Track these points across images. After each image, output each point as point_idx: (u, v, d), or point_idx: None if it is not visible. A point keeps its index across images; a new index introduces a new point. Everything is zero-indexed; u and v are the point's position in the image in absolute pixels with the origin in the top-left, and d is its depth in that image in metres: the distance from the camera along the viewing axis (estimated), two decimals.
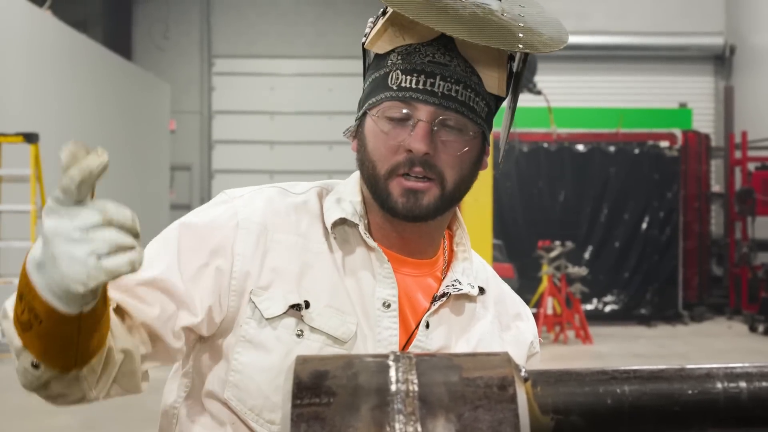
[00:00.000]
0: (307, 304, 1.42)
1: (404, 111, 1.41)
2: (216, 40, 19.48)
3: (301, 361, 0.81)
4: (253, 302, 1.41)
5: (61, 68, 11.97)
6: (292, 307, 1.41)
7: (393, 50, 1.44)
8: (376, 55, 1.47)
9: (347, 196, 1.49)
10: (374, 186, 1.44)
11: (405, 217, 1.43)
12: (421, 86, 1.40)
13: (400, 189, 1.42)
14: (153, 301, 1.37)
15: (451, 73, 1.41)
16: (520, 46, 1.36)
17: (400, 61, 1.43)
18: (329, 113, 18.94)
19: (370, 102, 1.44)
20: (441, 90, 1.40)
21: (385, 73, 1.44)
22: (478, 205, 8.31)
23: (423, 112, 1.40)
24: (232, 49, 19.39)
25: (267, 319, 1.41)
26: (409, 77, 1.41)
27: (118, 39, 17.81)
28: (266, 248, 1.44)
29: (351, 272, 1.46)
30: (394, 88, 1.42)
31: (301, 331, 1.41)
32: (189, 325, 1.40)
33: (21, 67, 10.72)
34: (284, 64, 19.29)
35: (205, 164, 19.56)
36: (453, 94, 1.40)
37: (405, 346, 1.45)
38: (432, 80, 1.40)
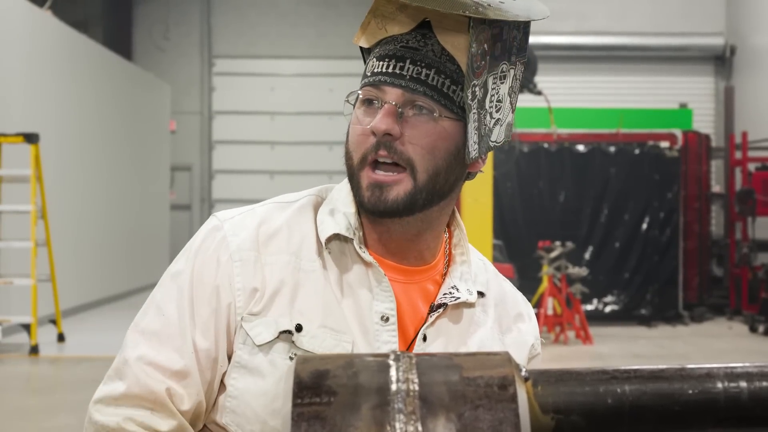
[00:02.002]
0: (299, 328, 1.40)
1: (373, 95, 1.39)
2: (216, 40, 19.49)
3: (302, 360, 0.81)
4: (244, 329, 1.40)
5: (62, 68, 11.97)
6: (283, 332, 1.39)
7: (377, 43, 1.43)
8: (366, 51, 1.46)
9: (341, 206, 1.46)
10: (351, 179, 1.42)
11: (372, 212, 1.40)
12: (390, 70, 1.38)
13: (368, 181, 1.39)
14: (198, 390, 1.42)
15: (422, 58, 1.37)
16: (464, 12, 1.31)
17: (377, 50, 1.42)
18: (330, 114, 18.94)
19: (352, 93, 1.44)
20: (410, 73, 1.37)
21: (367, 65, 1.44)
22: (478, 205, 8.31)
23: (390, 94, 1.37)
24: (232, 50, 19.40)
25: (258, 345, 1.39)
26: (380, 62, 1.39)
27: (119, 39, 17.81)
28: (263, 275, 1.42)
29: (348, 288, 1.43)
30: (368, 74, 1.41)
31: (294, 354, 1.39)
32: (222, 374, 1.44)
33: (21, 68, 10.72)
34: (285, 64, 19.30)
35: (205, 165, 19.56)
36: (423, 77, 1.37)
37: None
38: (402, 64, 1.37)
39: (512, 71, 1.43)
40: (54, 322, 9.93)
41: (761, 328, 11.57)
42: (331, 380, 0.78)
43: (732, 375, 0.86)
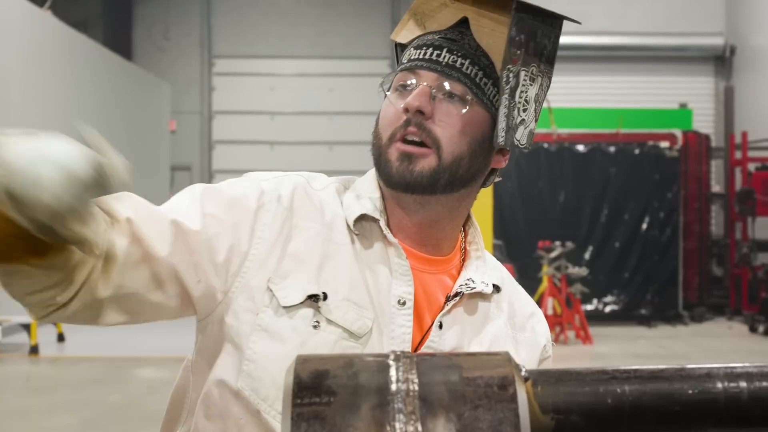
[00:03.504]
0: (325, 296, 1.40)
1: (409, 80, 1.43)
2: (216, 40, 19.49)
3: (302, 360, 0.81)
4: (271, 290, 1.40)
5: (62, 68, 11.97)
6: (310, 297, 1.40)
7: (415, 39, 1.48)
8: (402, 47, 1.51)
9: (366, 192, 1.49)
10: (378, 159, 1.45)
11: (398, 184, 1.42)
12: (427, 56, 1.43)
13: (396, 153, 1.41)
14: (169, 242, 1.36)
15: (459, 48, 1.42)
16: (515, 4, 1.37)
17: (415, 42, 1.47)
18: (330, 113, 18.94)
19: (388, 76, 1.48)
20: (446, 60, 1.42)
21: (403, 55, 1.49)
22: (478, 205, 8.28)
23: (425, 77, 1.42)
24: (232, 50, 19.40)
25: (284, 307, 1.39)
26: (417, 51, 1.45)
27: (119, 39, 17.82)
28: (289, 235, 1.43)
29: (369, 267, 1.45)
30: (404, 62, 1.46)
31: (317, 322, 1.39)
32: (187, 284, 1.38)
33: (21, 67, 10.72)
34: (285, 64, 19.30)
35: (205, 164, 19.57)
36: (458, 65, 1.41)
37: (418, 346, 1.44)
38: (438, 52, 1.43)
39: (540, 78, 1.47)
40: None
41: (761, 328, 11.57)
42: (330, 380, 0.78)
43: (732, 375, 0.86)
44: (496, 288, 1.54)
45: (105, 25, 17.51)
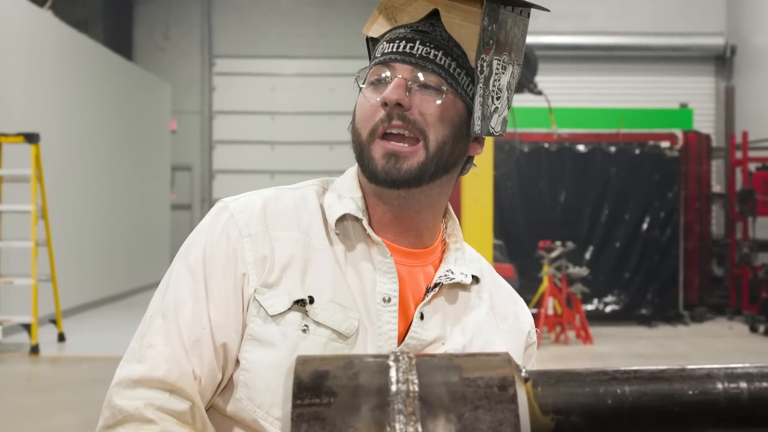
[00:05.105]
0: (312, 300, 1.43)
1: (384, 74, 1.44)
2: (217, 40, 19.49)
3: (302, 361, 0.81)
4: (258, 300, 1.42)
5: (62, 68, 11.97)
6: (297, 302, 1.42)
7: (387, 32, 1.48)
8: (374, 41, 1.51)
9: (347, 192, 1.50)
10: (360, 155, 1.45)
11: (384, 181, 1.43)
12: (400, 49, 1.44)
13: (381, 151, 1.42)
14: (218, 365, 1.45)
15: (431, 40, 1.43)
16: None
17: (387, 35, 1.48)
18: (330, 113, 18.94)
19: (362, 70, 1.49)
20: (419, 53, 1.43)
21: (376, 49, 1.49)
22: (478, 205, 8.29)
23: (400, 70, 1.43)
24: (233, 50, 19.40)
25: (271, 316, 1.41)
26: (390, 44, 1.45)
27: (119, 39, 17.82)
28: (272, 248, 1.45)
29: (352, 267, 1.47)
30: (378, 56, 1.46)
31: (306, 326, 1.41)
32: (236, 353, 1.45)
33: (22, 67, 10.72)
34: (285, 64, 19.31)
35: (205, 164, 19.56)
36: (431, 57, 1.42)
37: (403, 338, 1.46)
38: (411, 44, 1.43)
39: (510, 67, 1.48)
40: (54, 321, 9.93)
41: (762, 328, 11.57)
42: (331, 381, 0.78)
43: (732, 376, 0.86)
44: (475, 279, 1.56)
45: (105, 25, 17.51)
